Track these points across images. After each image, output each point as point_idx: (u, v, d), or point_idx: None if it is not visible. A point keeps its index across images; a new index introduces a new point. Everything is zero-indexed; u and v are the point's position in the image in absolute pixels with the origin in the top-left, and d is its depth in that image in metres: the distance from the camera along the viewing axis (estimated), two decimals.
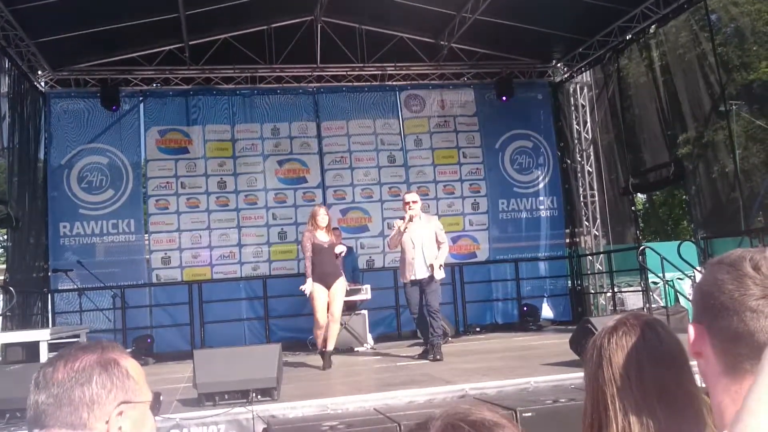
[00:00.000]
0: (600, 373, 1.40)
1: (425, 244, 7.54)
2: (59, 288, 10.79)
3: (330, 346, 7.54)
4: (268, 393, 5.27)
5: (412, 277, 7.53)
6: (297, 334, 10.63)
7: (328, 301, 7.49)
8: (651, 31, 10.96)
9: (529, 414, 4.40)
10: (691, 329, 1.11)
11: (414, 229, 7.58)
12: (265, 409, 5.04)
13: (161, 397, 1.47)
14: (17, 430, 4.63)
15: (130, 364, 1.40)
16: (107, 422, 1.31)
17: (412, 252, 7.54)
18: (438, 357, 7.38)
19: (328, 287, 7.50)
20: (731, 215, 9.81)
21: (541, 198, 12.73)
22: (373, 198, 12.14)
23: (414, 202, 7.62)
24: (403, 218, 7.65)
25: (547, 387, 5.29)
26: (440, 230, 7.74)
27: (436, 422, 0.91)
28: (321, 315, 7.44)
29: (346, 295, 9.64)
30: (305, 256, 7.57)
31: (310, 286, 7.42)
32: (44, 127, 11.16)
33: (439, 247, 7.61)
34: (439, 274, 7.52)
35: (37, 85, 11.08)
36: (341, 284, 7.64)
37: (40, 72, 11.09)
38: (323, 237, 7.57)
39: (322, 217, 7.63)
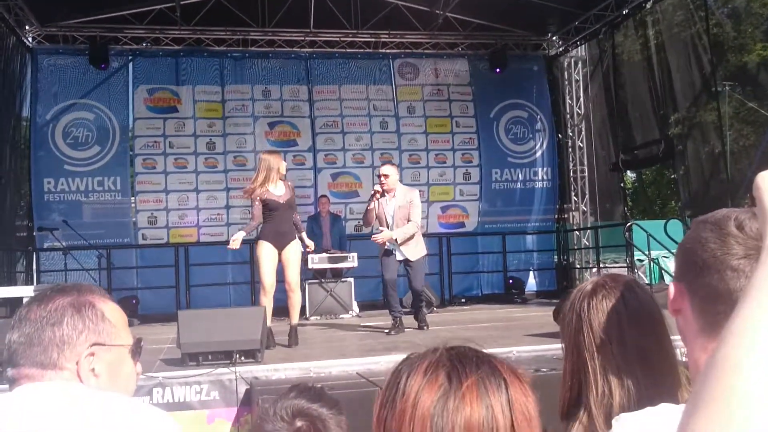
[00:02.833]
0: (580, 337, 1.40)
1: (398, 223, 7.00)
2: (44, 247, 10.73)
3: (294, 319, 6.57)
4: (251, 355, 5.28)
5: (389, 249, 7.08)
6: (283, 296, 10.62)
7: (280, 265, 6.48)
8: (648, 6, 10.89)
9: None
10: (671, 287, 1.11)
11: (389, 204, 7.07)
12: (249, 370, 5.06)
13: (142, 343, 1.46)
14: None
15: (108, 307, 1.38)
16: (77, 363, 1.30)
17: (380, 237, 6.99)
18: (425, 326, 7.31)
19: (281, 249, 6.44)
20: (719, 195, 9.85)
21: (536, 169, 12.72)
22: (364, 163, 12.09)
23: (385, 176, 7.02)
24: (375, 192, 7.13)
25: (530, 357, 5.34)
26: (414, 205, 7.07)
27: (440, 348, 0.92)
28: (268, 277, 6.37)
29: (335, 263, 9.69)
30: (254, 207, 6.44)
31: (239, 241, 6.35)
32: (30, 83, 10.98)
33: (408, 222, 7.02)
34: (416, 250, 7.09)
35: (25, 41, 10.87)
36: (296, 248, 6.56)
37: (27, 27, 10.87)
38: (279, 190, 6.44)
39: (282, 165, 6.52)
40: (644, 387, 1.32)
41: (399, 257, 7.10)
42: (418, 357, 0.91)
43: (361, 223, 7.72)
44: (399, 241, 6.96)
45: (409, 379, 0.88)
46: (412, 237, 7.06)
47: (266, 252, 6.37)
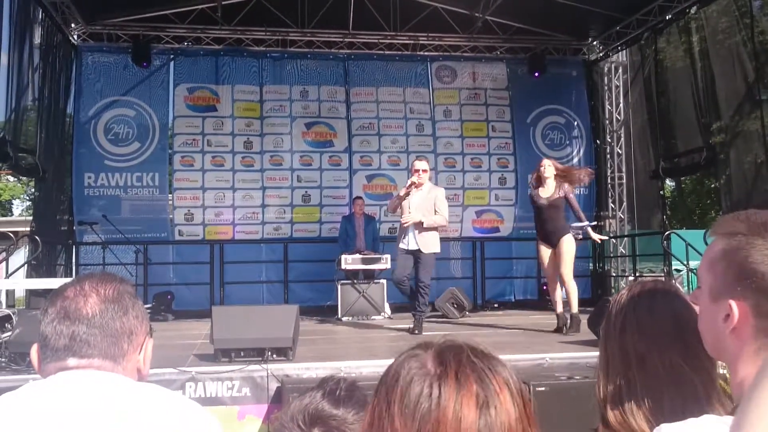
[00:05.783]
0: (623, 340, 1.38)
1: (421, 213, 7.26)
2: (84, 241, 10.93)
3: (573, 308, 7.22)
4: (283, 352, 5.31)
5: (403, 246, 7.32)
6: (316, 296, 10.73)
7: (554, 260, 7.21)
8: (692, 12, 10.70)
9: (543, 388, 4.40)
10: (733, 306, 1.05)
11: (415, 196, 7.34)
12: (280, 368, 5.09)
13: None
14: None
15: None
16: (138, 352, 1.32)
17: (407, 217, 7.28)
18: (417, 332, 7.21)
19: (553, 246, 7.19)
20: (761, 206, 9.61)
21: None
22: (399, 166, 12.08)
23: (424, 171, 7.38)
24: (413, 183, 7.37)
25: (562, 364, 5.27)
26: (440, 201, 7.38)
27: (434, 344, 0.96)
28: (545, 270, 7.53)
29: (367, 264, 9.70)
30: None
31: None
32: (74, 79, 11.20)
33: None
34: (430, 244, 7.26)
35: (70, 38, 11.11)
36: (567, 244, 7.14)
37: (73, 25, 11.10)
38: (546, 192, 7.22)
39: (547, 168, 7.24)
40: (682, 393, 1.30)
41: (412, 247, 7.25)
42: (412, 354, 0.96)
43: (387, 210, 8.09)
44: (424, 225, 7.22)
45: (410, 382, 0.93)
46: (435, 229, 7.36)
47: (542, 251, 7.29)
